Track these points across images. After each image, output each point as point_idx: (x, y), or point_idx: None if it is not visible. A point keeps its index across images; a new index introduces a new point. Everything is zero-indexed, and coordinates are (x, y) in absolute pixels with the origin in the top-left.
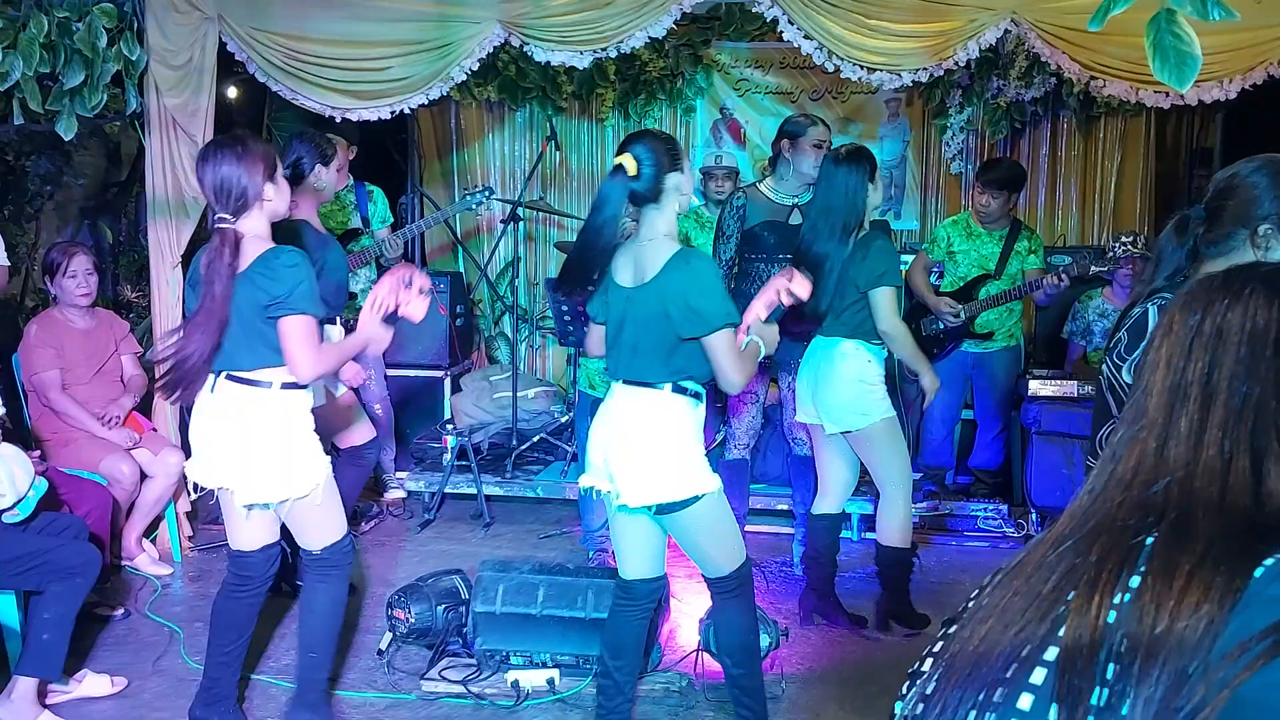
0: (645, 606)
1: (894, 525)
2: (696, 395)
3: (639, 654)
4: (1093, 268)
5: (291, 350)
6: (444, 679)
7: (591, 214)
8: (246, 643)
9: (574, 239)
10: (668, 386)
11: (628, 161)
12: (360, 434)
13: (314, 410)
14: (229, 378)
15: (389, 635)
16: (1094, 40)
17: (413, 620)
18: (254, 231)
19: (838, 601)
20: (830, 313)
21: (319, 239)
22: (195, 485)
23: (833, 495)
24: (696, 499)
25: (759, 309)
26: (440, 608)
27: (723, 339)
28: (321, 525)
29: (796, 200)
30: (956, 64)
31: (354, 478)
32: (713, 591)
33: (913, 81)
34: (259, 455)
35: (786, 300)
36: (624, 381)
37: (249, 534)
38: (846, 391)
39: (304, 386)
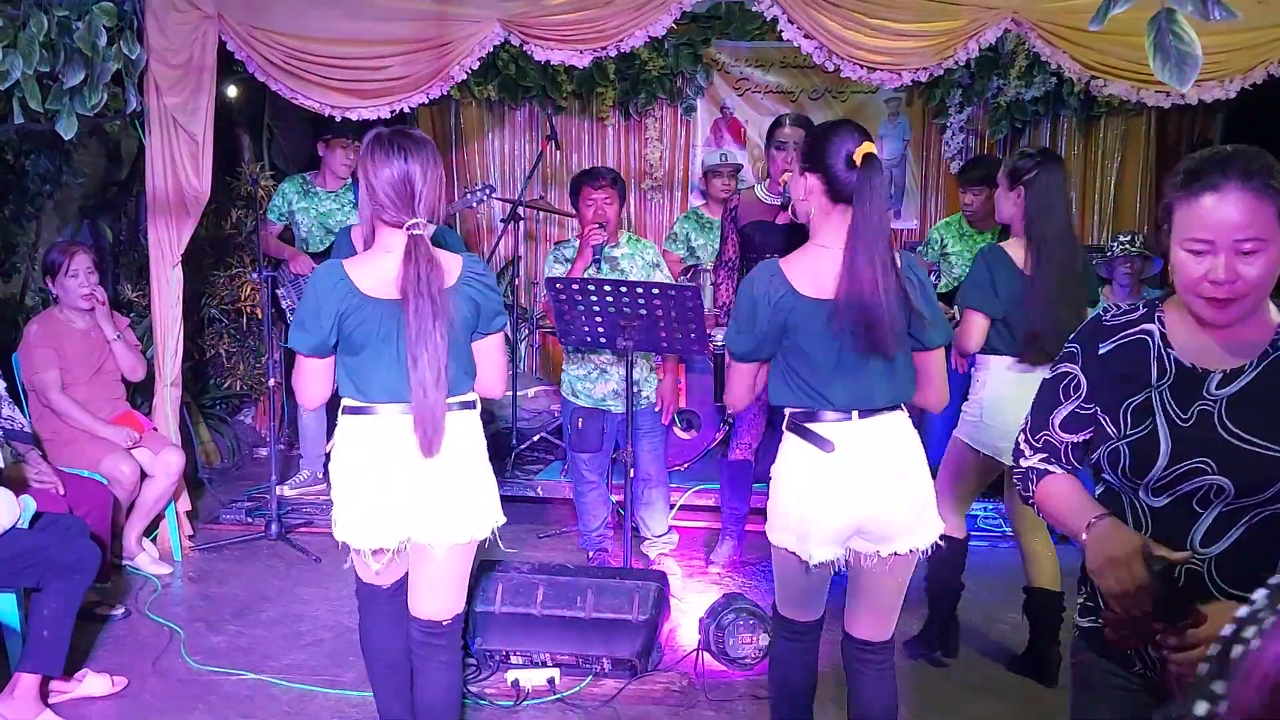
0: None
1: None
2: None
3: None
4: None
5: (499, 366)
6: None
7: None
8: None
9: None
10: (904, 405)
11: (874, 148)
12: None
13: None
14: (457, 406)
15: None
16: (1095, 40)
17: None
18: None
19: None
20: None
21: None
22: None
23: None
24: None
25: None
26: None
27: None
28: (464, 583)
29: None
30: (957, 63)
31: None
32: (880, 658)
33: (913, 81)
34: (475, 484)
35: None
36: (861, 413)
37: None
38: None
39: None
